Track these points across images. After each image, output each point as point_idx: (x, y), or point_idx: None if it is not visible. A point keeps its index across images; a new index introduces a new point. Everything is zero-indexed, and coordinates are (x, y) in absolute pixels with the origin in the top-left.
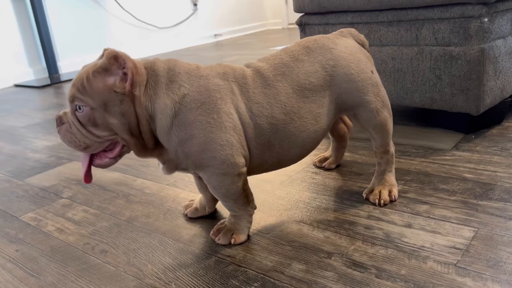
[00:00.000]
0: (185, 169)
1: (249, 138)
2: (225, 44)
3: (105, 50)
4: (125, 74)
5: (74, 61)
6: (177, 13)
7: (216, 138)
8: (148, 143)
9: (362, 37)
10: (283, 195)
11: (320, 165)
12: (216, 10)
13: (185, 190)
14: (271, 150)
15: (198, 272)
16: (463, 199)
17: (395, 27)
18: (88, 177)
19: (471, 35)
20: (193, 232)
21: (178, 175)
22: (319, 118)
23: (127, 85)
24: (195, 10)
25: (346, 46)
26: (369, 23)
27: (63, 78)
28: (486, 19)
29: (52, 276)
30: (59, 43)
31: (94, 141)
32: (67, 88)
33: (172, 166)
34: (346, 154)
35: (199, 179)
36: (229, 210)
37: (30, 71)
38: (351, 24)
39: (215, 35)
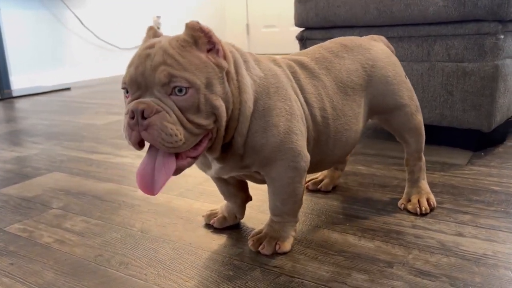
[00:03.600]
0: (246, 167)
1: (309, 130)
2: None
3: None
4: (211, 49)
5: (28, 77)
6: (139, 35)
7: (293, 127)
8: (229, 133)
9: (390, 45)
10: (312, 205)
11: (315, 187)
12: (180, 32)
13: (198, 200)
14: (318, 146)
15: (247, 284)
16: (503, 209)
17: (406, 42)
18: (159, 188)
19: (486, 51)
20: (222, 242)
21: (184, 185)
22: (359, 118)
23: (222, 60)
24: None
25: (381, 48)
26: None
27: (14, 94)
28: (502, 36)
29: None
30: (13, 58)
31: (193, 133)
32: (19, 104)
33: (234, 164)
34: (360, 167)
35: (227, 185)
36: (277, 215)
37: None
38: None
39: None
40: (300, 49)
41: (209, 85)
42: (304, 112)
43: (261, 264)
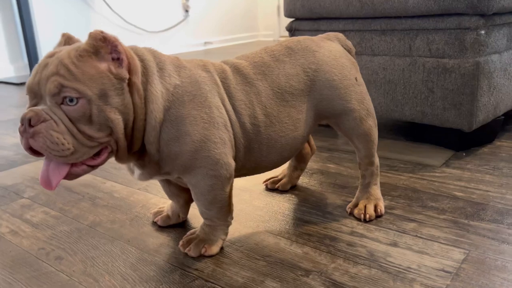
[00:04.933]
0: (167, 173)
1: (236, 137)
2: (214, 53)
3: (77, 38)
4: (117, 59)
5: None
6: (168, 18)
7: (210, 135)
8: (136, 143)
9: (349, 43)
10: (262, 205)
11: (273, 187)
12: (207, 18)
13: (157, 195)
14: (251, 153)
15: (161, 286)
16: (453, 218)
17: (388, 36)
18: (55, 185)
19: (467, 47)
20: (160, 241)
21: None
22: (298, 124)
23: (124, 70)
24: (186, 16)
25: (330, 50)
26: (362, 31)
27: None
28: (483, 32)
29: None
30: (43, 41)
31: (84, 144)
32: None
33: (153, 170)
34: (330, 165)
35: (169, 185)
36: (207, 219)
37: (11, 67)
38: (343, 32)
39: (205, 43)
40: None
41: (103, 96)
42: (231, 120)
43: (184, 266)
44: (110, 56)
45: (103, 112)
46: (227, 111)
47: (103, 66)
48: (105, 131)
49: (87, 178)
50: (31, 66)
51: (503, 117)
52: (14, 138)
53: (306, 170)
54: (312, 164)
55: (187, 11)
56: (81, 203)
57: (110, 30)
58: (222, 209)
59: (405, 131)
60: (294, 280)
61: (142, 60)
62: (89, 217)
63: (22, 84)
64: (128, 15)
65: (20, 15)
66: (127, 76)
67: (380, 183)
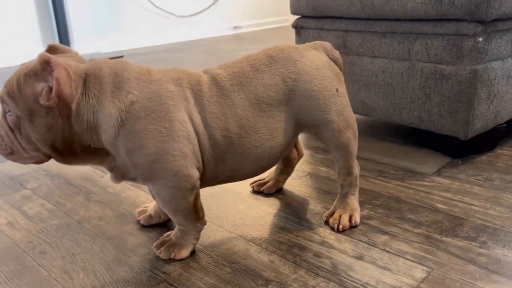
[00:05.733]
0: (133, 179)
1: (203, 149)
2: (244, 37)
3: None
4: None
5: (88, 45)
6: (197, 3)
7: (168, 148)
8: (80, 154)
9: (336, 53)
10: (243, 208)
11: (258, 189)
12: (237, 2)
13: (147, 192)
14: (224, 164)
15: (128, 287)
16: (427, 233)
17: (388, 38)
18: None
19: (464, 54)
20: (138, 241)
21: None
22: (275, 134)
23: (53, 96)
24: (216, 0)
25: (312, 60)
26: (363, 32)
27: None
28: (481, 39)
29: None
30: (75, 27)
31: (19, 149)
32: None
33: (119, 174)
34: (322, 168)
35: None
36: (177, 224)
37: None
38: (345, 32)
39: (235, 27)
40: (296, 38)
41: (30, 116)
42: (198, 133)
43: (153, 268)
44: (50, 79)
45: (28, 129)
46: (194, 124)
47: (39, 88)
48: (32, 145)
49: (87, 171)
50: None
51: (505, 125)
52: None
53: (297, 171)
54: (304, 165)
55: None
56: (76, 197)
57: (139, 14)
58: (187, 217)
59: (405, 135)
60: None
61: (99, 83)
62: (80, 212)
63: None
64: None
65: (54, 5)
66: (51, 104)
67: (365, 190)
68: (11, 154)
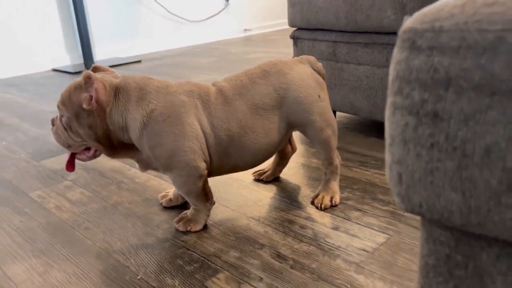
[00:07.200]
0: (155, 169)
1: (210, 146)
2: (253, 40)
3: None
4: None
5: (108, 50)
6: (209, 8)
7: (180, 145)
8: (118, 148)
9: (319, 65)
10: (246, 193)
11: (259, 178)
12: (247, 5)
13: (168, 182)
14: (229, 157)
15: (154, 252)
16: (393, 210)
17: (370, 48)
18: (69, 167)
19: None
20: (161, 219)
21: None
22: (270, 133)
23: (93, 102)
24: (227, 5)
25: (299, 72)
26: (349, 42)
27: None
28: None
29: (42, 244)
30: (96, 32)
31: (72, 142)
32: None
33: (144, 165)
34: (313, 160)
35: None
36: (191, 204)
37: (67, 57)
38: (334, 42)
39: (245, 30)
40: (293, 48)
41: (76, 117)
42: (206, 133)
43: (174, 238)
44: (92, 90)
45: (76, 127)
46: (202, 126)
47: (83, 96)
48: (80, 138)
49: (117, 165)
50: (84, 56)
51: None
52: None
53: (291, 163)
54: (298, 158)
55: (227, 0)
56: (109, 186)
57: (155, 20)
58: (198, 198)
59: None
60: (251, 251)
61: (126, 94)
62: (114, 198)
63: (77, 73)
64: (172, 6)
65: (75, 11)
66: (91, 108)
67: (347, 177)
68: (69, 147)
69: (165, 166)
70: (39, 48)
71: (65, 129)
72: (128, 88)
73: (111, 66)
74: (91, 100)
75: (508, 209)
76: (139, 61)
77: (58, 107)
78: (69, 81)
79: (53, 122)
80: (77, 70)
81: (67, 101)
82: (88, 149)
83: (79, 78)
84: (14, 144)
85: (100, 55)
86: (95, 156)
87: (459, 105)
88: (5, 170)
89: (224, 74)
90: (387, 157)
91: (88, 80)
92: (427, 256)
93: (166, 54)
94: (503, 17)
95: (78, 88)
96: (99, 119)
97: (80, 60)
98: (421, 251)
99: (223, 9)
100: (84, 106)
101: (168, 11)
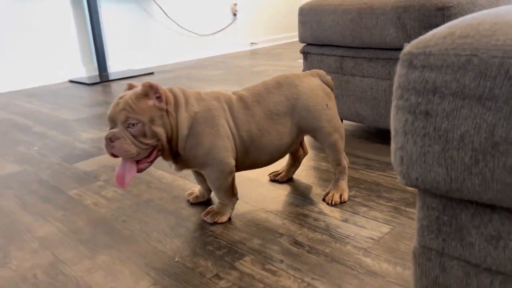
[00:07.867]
0: (191, 167)
1: (235, 145)
2: (259, 53)
3: (136, 84)
4: (158, 97)
5: (122, 63)
6: (217, 22)
7: (216, 144)
8: (174, 147)
9: (328, 78)
10: (264, 191)
11: (274, 178)
12: (254, 19)
13: (192, 182)
14: (248, 155)
15: (187, 239)
16: (396, 206)
17: (374, 63)
18: (124, 181)
19: None
20: (190, 213)
21: (187, 171)
22: (283, 136)
23: (164, 99)
24: (234, 19)
25: (309, 84)
26: (355, 57)
27: (111, 77)
28: None
29: (86, 234)
30: (111, 45)
31: (142, 148)
32: (114, 87)
33: (182, 165)
34: (322, 163)
35: (197, 175)
36: (219, 198)
37: (83, 69)
38: (341, 57)
39: (252, 43)
40: (303, 61)
41: (152, 120)
42: (233, 133)
43: (203, 229)
44: (155, 96)
45: (152, 129)
46: (230, 127)
47: (151, 102)
48: (154, 139)
49: None
50: (100, 68)
51: None
52: (89, 134)
53: (303, 165)
54: (309, 161)
55: (235, 14)
56: (140, 185)
57: (166, 34)
58: (227, 193)
59: (390, 138)
60: (271, 239)
61: (175, 97)
62: (145, 195)
63: (92, 84)
64: (182, 20)
65: (92, 25)
66: (165, 107)
67: (354, 178)
68: (138, 155)
69: (202, 163)
70: (57, 60)
71: (135, 137)
72: (177, 94)
73: (125, 78)
74: (161, 101)
75: (476, 177)
76: (151, 73)
77: (128, 118)
78: (85, 92)
79: (111, 139)
80: (93, 81)
81: (139, 110)
82: (147, 156)
83: (135, 89)
84: (45, 149)
85: (114, 67)
86: (155, 158)
87: (443, 106)
88: (42, 172)
89: (231, 86)
90: (392, 145)
91: (151, 87)
92: (422, 219)
93: (176, 67)
94: (471, 46)
95: (140, 97)
96: (168, 117)
97: (96, 72)
98: (417, 216)
99: (231, 23)
100: (160, 105)
101: (179, 26)
